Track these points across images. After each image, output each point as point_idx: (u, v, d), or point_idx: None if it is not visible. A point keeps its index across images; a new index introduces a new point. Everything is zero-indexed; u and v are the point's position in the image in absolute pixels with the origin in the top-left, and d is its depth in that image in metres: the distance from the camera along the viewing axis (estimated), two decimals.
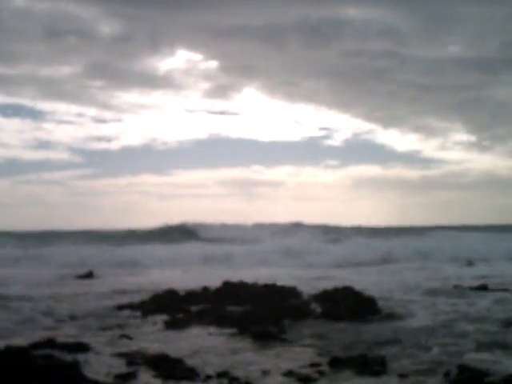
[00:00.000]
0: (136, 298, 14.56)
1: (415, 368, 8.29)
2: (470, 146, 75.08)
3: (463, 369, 7.86)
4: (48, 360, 8.15)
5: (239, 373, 8.06)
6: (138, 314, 13.04)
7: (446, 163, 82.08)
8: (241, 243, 35.22)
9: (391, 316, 12.40)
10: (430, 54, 63.95)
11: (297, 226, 45.97)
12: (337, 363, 8.56)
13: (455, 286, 17.09)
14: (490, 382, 7.47)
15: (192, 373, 8.05)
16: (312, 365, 8.51)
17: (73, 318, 12.49)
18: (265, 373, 8.13)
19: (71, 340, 9.82)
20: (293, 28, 62.18)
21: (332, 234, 41.91)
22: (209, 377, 7.91)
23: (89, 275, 22.09)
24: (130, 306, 13.68)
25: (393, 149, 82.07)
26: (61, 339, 9.83)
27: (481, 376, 7.67)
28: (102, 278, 21.77)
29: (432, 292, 16.22)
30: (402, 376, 7.94)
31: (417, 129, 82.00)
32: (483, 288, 16.55)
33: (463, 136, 76.03)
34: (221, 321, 12.09)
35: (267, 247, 31.94)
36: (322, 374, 8.14)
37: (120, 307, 13.65)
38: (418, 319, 12.17)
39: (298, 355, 9.18)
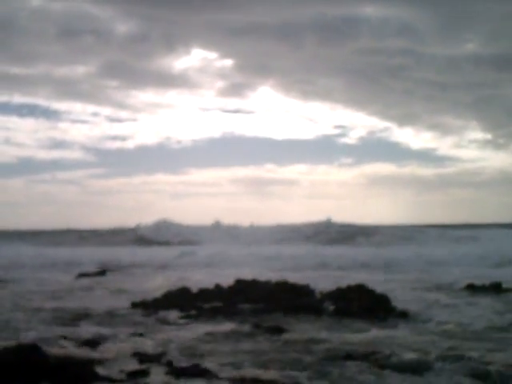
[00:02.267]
0: (149, 296, 14.56)
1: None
2: (485, 143, 74.68)
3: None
4: (61, 357, 8.20)
5: (252, 372, 8.02)
6: (151, 311, 13.05)
7: (461, 161, 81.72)
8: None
9: (405, 315, 12.31)
10: (447, 51, 63.66)
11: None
12: (349, 359, 8.54)
13: (468, 286, 16.88)
14: None
15: (204, 371, 8.02)
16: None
17: (87, 315, 12.52)
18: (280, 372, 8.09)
19: (84, 337, 9.84)
20: (308, 26, 62.14)
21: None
22: (221, 375, 7.87)
23: (101, 273, 22.20)
24: (143, 304, 13.69)
25: (408, 147, 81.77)
26: (74, 336, 9.88)
27: None
28: (115, 276, 21.88)
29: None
30: (403, 372, 7.87)
31: (432, 127, 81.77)
32: (497, 287, 16.27)
33: (479, 134, 75.73)
34: (233, 318, 12.10)
35: None
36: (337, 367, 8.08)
37: (134, 305, 13.66)
38: (426, 318, 12.14)
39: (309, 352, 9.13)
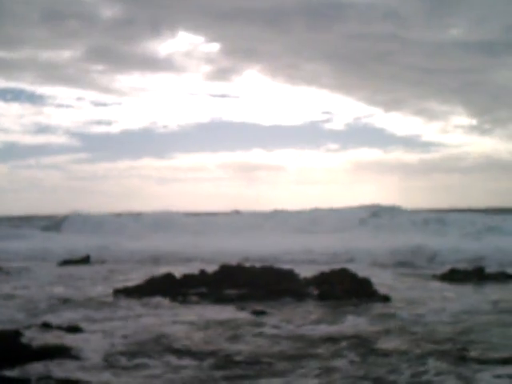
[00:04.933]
0: (133, 283, 14.51)
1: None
2: (470, 129, 74.98)
3: None
4: (44, 343, 8.20)
5: (237, 358, 8.06)
6: (134, 297, 13.02)
7: (446, 147, 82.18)
8: None
9: (387, 299, 12.40)
10: (433, 36, 63.46)
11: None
12: (331, 341, 8.61)
13: (451, 271, 16.94)
14: None
15: (186, 352, 8.05)
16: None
17: (69, 302, 12.46)
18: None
19: (67, 324, 9.81)
20: (295, 10, 61.73)
21: None
22: (203, 355, 7.91)
23: (85, 261, 22.06)
24: (126, 291, 13.64)
25: (393, 133, 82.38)
26: (57, 323, 9.84)
27: None
28: (98, 263, 21.79)
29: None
30: (386, 355, 7.91)
31: (418, 112, 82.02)
32: (479, 272, 16.33)
33: (464, 119, 76.06)
34: (218, 303, 12.13)
35: None
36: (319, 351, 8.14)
37: (116, 291, 13.62)
38: (407, 303, 12.24)
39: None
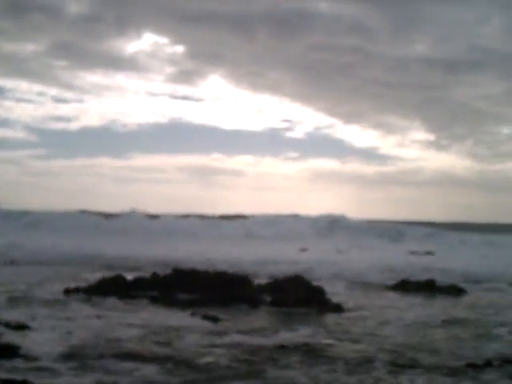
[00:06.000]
0: (83, 283, 14.23)
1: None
2: (427, 144, 76.55)
3: None
4: None
5: (185, 355, 7.95)
6: (85, 298, 12.80)
7: (402, 160, 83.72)
8: None
9: (339, 308, 12.43)
10: (396, 51, 64.62)
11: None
12: (282, 350, 8.60)
13: (403, 282, 17.10)
14: None
15: (134, 357, 7.94)
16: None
17: (19, 301, 12.13)
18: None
19: (14, 322, 9.54)
20: (261, 18, 61.89)
21: None
22: (153, 359, 7.80)
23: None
24: (77, 290, 13.40)
25: (351, 144, 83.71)
26: (4, 319, 9.57)
27: None
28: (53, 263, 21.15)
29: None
30: (335, 364, 7.94)
31: (377, 125, 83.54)
32: (431, 284, 16.53)
33: (422, 134, 77.67)
34: (170, 307, 11.97)
35: None
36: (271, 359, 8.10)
37: (67, 291, 13.34)
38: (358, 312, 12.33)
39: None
